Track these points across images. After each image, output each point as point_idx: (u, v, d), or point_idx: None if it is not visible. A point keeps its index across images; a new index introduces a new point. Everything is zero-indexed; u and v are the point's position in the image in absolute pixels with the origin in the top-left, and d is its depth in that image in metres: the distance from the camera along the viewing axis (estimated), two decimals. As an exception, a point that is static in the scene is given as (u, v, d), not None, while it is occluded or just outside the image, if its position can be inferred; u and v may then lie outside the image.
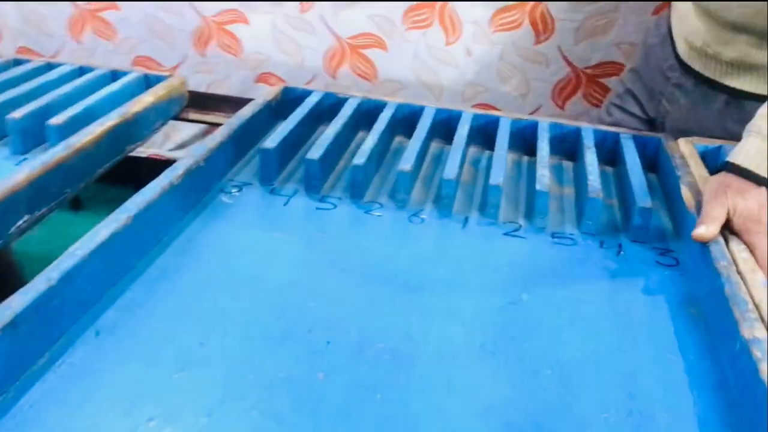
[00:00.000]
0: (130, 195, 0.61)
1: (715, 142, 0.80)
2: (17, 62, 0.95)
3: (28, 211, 0.65)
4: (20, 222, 0.64)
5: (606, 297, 0.58)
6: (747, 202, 0.60)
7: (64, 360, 0.46)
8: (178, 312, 0.52)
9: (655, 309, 0.57)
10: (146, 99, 0.84)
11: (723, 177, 0.63)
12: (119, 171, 0.79)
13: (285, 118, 0.86)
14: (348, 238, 0.65)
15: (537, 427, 0.44)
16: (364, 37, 1.34)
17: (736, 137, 0.82)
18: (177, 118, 0.93)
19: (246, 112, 0.79)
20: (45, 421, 0.42)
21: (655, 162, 0.81)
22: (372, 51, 1.35)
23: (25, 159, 0.76)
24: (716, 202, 0.61)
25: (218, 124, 0.93)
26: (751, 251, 0.58)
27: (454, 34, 1.29)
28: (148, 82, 0.92)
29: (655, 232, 0.68)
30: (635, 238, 0.67)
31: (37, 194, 0.65)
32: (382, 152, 0.80)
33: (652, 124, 0.92)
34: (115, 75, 0.92)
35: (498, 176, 0.69)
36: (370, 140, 0.75)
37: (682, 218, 0.67)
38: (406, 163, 0.70)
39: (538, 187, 0.68)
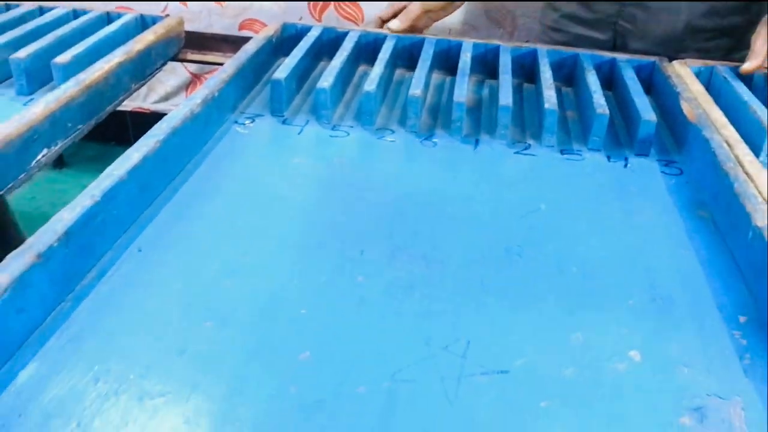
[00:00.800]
0: (114, 151, 0.61)
1: (708, 64, 0.83)
2: (7, 7, 0.93)
3: (46, 145, 0.65)
4: (39, 156, 0.64)
5: (618, 204, 0.61)
6: None
7: (112, 273, 0.48)
8: (214, 230, 0.54)
9: (666, 213, 0.60)
10: (147, 37, 0.83)
11: None
12: (100, 127, 0.76)
13: (285, 54, 0.87)
14: (365, 161, 0.67)
15: (569, 315, 0.47)
16: (349, -21, 1.34)
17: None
18: (175, 58, 0.93)
19: (250, 47, 0.80)
20: (103, 326, 0.43)
21: (649, 84, 0.84)
22: (358, -7, 1.35)
23: (31, 99, 0.76)
24: (762, 38, 0.77)
25: (218, 64, 0.93)
26: None
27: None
28: (144, 24, 0.91)
29: (657, 145, 0.71)
30: (640, 152, 0.69)
31: (53, 128, 0.66)
32: (388, 82, 0.81)
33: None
34: (110, 17, 0.92)
35: (506, 97, 0.71)
36: (377, 68, 0.76)
37: (683, 132, 0.70)
38: (416, 88, 0.72)
39: (546, 105, 0.70)
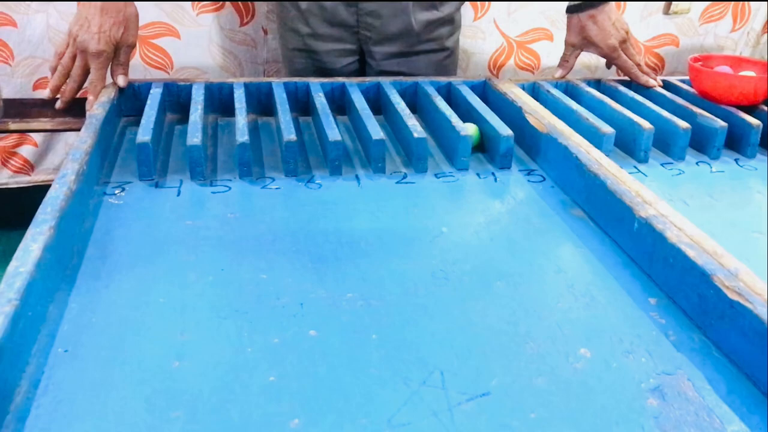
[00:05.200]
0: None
1: (529, 80, 0.93)
2: None
3: None
4: None
5: (506, 214, 0.66)
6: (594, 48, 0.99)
7: (46, 382, 0.43)
8: (137, 313, 0.50)
9: (546, 216, 0.66)
10: (-32, 113, 0.75)
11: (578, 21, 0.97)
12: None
13: (126, 115, 0.83)
14: (260, 214, 0.65)
15: (514, 327, 0.50)
16: (153, 26, 1.29)
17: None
18: (-4, 131, 0.84)
19: (98, 111, 0.74)
20: None
21: (486, 101, 0.91)
22: (164, 40, 1.31)
23: None
24: (570, 48, 1.00)
25: (45, 131, 0.86)
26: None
27: (248, 16, 1.30)
28: (-48, 97, 0.81)
29: (515, 158, 0.77)
30: (502, 166, 0.76)
31: None
32: (251, 130, 0.80)
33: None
34: None
35: (377, 132, 0.74)
36: (241, 119, 0.75)
37: (535, 142, 0.77)
38: (289, 133, 0.72)
39: (415, 135, 0.74)
